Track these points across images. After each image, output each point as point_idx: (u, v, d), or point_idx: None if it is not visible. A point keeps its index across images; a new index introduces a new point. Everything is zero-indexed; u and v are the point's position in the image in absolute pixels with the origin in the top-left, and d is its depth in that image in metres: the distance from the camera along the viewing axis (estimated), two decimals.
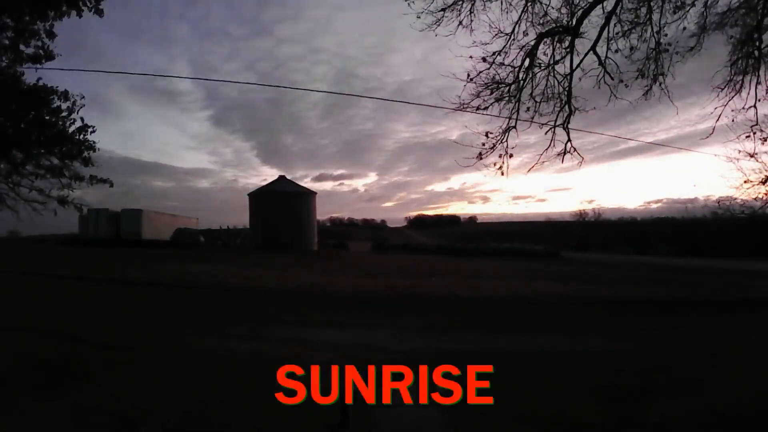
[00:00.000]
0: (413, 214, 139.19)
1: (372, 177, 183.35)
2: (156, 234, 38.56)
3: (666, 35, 5.29)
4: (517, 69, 5.57)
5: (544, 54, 5.64)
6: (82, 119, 6.40)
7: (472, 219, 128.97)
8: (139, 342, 7.22)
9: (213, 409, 4.48)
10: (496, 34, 5.38)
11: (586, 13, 5.33)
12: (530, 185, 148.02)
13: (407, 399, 4.94)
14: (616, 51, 5.43)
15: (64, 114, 6.33)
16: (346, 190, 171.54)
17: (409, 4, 5.23)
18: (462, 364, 6.39)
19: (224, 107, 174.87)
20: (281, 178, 43.36)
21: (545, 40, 5.54)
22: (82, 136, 6.46)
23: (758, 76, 5.46)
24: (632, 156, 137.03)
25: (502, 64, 5.48)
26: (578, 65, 5.58)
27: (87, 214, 31.48)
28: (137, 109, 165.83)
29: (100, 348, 6.60)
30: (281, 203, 39.32)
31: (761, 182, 5.85)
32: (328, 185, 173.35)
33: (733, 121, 5.63)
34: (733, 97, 5.58)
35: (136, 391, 4.88)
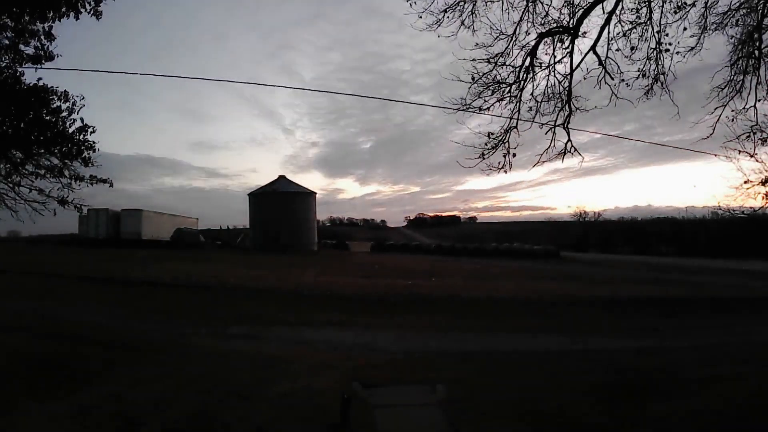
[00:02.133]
0: (413, 214, 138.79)
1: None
2: (156, 234, 38.54)
3: (667, 35, 5.29)
4: (518, 69, 5.57)
5: (545, 54, 5.65)
6: (81, 119, 6.39)
7: (472, 219, 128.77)
8: (139, 342, 7.22)
9: (213, 409, 4.47)
10: (497, 36, 5.39)
11: (587, 13, 5.32)
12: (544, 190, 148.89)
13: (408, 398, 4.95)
14: (617, 50, 5.44)
15: (64, 114, 6.33)
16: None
17: (411, 4, 5.23)
18: (462, 363, 6.42)
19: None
20: (281, 178, 43.33)
21: (546, 40, 5.54)
22: (82, 137, 6.45)
23: (758, 76, 5.46)
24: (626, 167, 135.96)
25: (504, 64, 5.49)
26: (578, 65, 5.59)
27: (87, 214, 31.45)
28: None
29: (100, 348, 6.60)
30: (281, 203, 39.30)
31: (761, 182, 5.84)
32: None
33: (733, 121, 5.63)
34: (733, 97, 5.58)
35: (136, 391, 4.88)
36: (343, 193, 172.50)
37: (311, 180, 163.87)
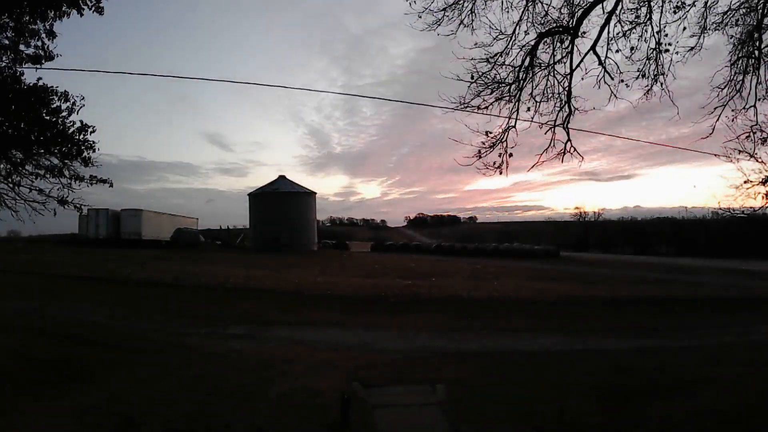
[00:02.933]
0: (413, 213, 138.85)
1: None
2: (156, 234, 38.51)
3: (666, 35, 5.29)
4: (517, 69, 5.56)
5: (545, 54, 5.64)
6: (81, 120, 6.39)
7: (472, 218, 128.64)
8: (139, 342, 7.22)
9: (213, 409, 4.47)
10: (496, 37, 5.39)
11: (586, 13, 5.32)
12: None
13: (407, 398, 4.95)
14: (617, 51, 5.43)
15: (64, 114, 6.33)
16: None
17: (410, 4, 5.23)
18: (462, 363, 6.42)
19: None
20: (281, 178, 43.31)
21: (545, 39, 5.54)
22: (82, 136, 6.45)
23: (758, 76, 5.45)
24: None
25: (503, 63, 5.48)
26: (578, 65, 5.58)
27: (87, 214, 31.42)
28: None
29: (100, 348, 6.60)
30: (281, 203, 39.30)
31: (761, 182, 5.83)
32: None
33: (733, 121, 5.63)
34: (733, 97, 5.58)
35: (136, 391, 4.88)
36: (359, 195, 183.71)
37: (335, 182, 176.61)
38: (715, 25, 5.37)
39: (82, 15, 5.60)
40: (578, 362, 6.82)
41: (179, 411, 4.37)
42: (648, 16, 5.23)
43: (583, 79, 5.62)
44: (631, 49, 5.38)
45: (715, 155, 6.12)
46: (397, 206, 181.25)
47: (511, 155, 5.57)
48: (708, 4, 5.22)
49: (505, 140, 5.60)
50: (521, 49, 5.48)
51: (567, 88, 5.66)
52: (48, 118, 6.28)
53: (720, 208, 6.17)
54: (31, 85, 6.17)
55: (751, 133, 5.58)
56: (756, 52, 5.38)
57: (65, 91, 6.23)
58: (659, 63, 5.39)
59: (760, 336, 9.21)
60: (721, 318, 11.32)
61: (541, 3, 5.37)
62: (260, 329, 8.64)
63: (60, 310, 9.78)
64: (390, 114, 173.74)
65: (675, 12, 5.15)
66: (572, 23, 5.37)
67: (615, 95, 5.55)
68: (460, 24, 5.35)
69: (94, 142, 6.54)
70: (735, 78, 5.54)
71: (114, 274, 16.26)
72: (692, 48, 5.39)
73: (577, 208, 67.94)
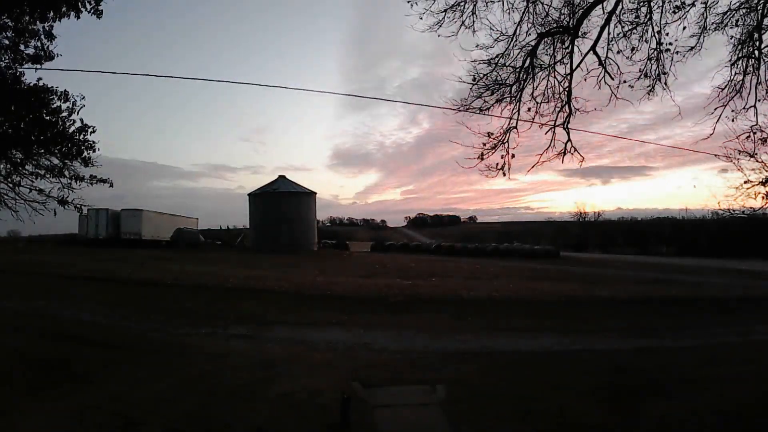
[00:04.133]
0: (413, 213, 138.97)
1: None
2: (156, 234, 38.53)
3: (667, 35, 5.29)
4: (518, 70, 5.57)
5: (545, 54, 5.65)
6: (81, 120, 6.40)
7: (472, 218, 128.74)
8: (139, 342, 7.23)
9: (213, 409, 4.47)
10: (497, 38, 5.40)
11: (587, 13, 5.32)
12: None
13: (407, 398, 4.95)
14: (618, 51, 5.44)
15: (64, 114, 6.33)
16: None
17: (411, 6, 5.24)
18: (462, 363, 6.42)
19: None
20: (281, 178, 43.31)
21: (546, 40, 5.55)
22: (82, 137, 6.46)
23: (758, 76, 5.45)
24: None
25: (504, 65, 5.49)
26: (578, 65, 5.58)
27: (87, 214, 31.40)
28: None
29: (100, 348, 6.61)
30: (281, 203, 39.29)
31: (761, 182, 5.83)
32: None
33: (733, 121, 5.63)
34: (733, 97, 5.58)
35: (136, 391, 4.88)
36: (374, 196, 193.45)
37: (357, 182, 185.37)
38: (715, 25, 5.37)
39: (78, 18, 5.61)
40: (578, 362, 6.82)
41: (179, 411, 4.37)
42: (648, 16, 5.24)
43: (585, 79, 5.63)
44: (632, 49, 5.38)
45: (715, 155, 6.12)
46: (406, 205, 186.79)
47: (513, 156, 5.59)
48: (708, 4, 5.22)
49: (507, 141, 5.62)
50: (522, 50, 5.50)
51: (567, 89, 5.67)
52: (48, 118, 6.29)
53: (720, 209, 6.17)
54: (31, 85, 6.18)
55: (751, 133, 5.58)
56: (756, 53, 5.38)
57: (65, 91, 6.24)
58: (660, 63, 5.40)
59: (760, 336, 9.21)
60: (721, 318, 11.31)
61: (542, 3, 5.38)
62: (260, 329, 8.64)
63: (60, 310, 9.78)
64: (429, 137, 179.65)
65: (675, 12, 5.15)
66: (572, 23, 5.37)
67: (615, 95, 5.56)
68: (461, 25, 5.35)
69: (94, 142, 6.55)
70: (735, 78, 5.54)
71: (114, 274, 16.25)
72: (692, 48, 5.39)
73: (577, 208, 67.83)
